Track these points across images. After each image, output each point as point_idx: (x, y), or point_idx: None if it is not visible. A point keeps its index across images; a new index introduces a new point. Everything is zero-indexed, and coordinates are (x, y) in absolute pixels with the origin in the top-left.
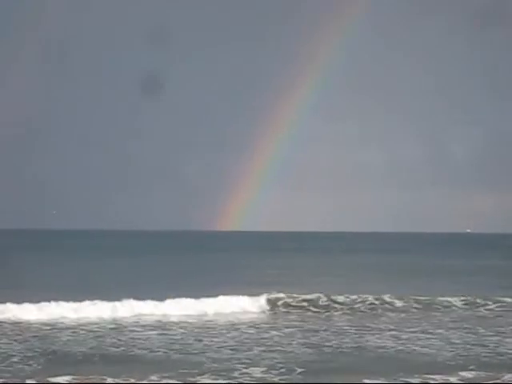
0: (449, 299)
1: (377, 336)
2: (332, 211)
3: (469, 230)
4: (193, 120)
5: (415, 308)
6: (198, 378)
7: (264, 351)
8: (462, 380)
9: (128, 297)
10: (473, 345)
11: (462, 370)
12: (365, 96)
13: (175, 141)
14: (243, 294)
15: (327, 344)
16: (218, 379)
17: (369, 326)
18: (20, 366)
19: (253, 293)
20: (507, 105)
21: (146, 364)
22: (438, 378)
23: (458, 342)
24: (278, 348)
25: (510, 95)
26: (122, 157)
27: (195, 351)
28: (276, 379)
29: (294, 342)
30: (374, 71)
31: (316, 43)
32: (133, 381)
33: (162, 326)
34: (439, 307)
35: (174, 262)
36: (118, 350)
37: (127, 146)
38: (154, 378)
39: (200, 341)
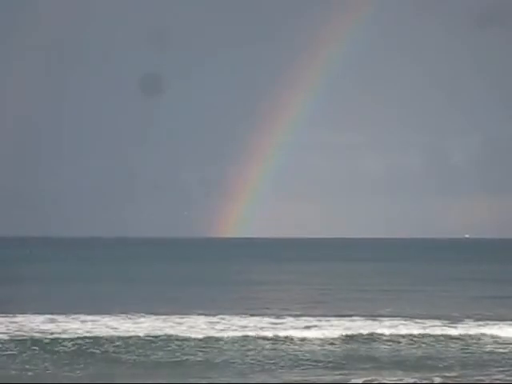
0: None
1: None
2: (330, 218)
3: (467, 236)
4: (191, 129)
5: None
6: None
7: None
8: None
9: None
10: None
11: None
12: (364, 103)
13: (174, 149)
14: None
15: None
16: None
17: None
18: None
19: None
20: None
21: None
22: None
23: None
24: None
25: (509, 99)
26: (122, 165)
27: None
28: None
29: None
30: (374, 78)
31: (316, 48)
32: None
33: None
34: None
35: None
36: None
37: (128, 154)
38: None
39: None
